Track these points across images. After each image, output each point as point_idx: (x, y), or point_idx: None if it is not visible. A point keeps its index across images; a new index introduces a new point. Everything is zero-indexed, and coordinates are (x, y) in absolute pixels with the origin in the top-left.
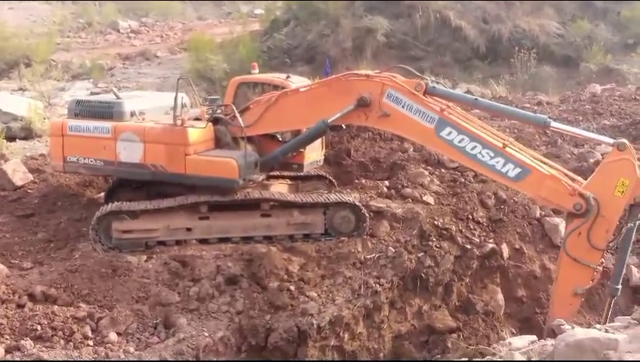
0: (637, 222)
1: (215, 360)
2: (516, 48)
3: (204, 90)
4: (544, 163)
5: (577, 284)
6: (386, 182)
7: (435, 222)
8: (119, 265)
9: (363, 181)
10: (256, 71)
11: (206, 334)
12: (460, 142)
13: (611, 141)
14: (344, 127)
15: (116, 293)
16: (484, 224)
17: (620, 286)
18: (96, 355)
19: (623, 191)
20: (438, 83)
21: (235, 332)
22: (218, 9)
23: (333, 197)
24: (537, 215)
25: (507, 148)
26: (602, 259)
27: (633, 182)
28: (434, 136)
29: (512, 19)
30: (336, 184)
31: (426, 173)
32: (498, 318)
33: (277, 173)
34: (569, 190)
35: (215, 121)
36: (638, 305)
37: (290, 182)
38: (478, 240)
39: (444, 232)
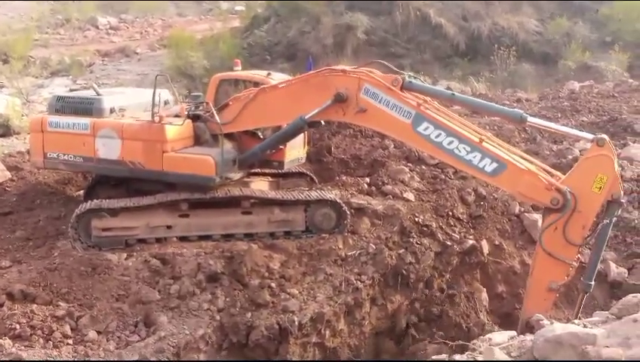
0: (613, 219)
1: (196, 360)
2: (496, 46)
3: (184, 87)
4: (522, 158)
5: (552, 279)
6: (367, 179)
7: (416, 219)
8: (99, 263)
9: (344, 178)
10: (239, 68)
11: (187, 332)
12: (436, 137)
13: (591, 137)
14: (323, 123)
15: (96, 292)
16: (464, 220)
17: (593, 283)
18: (75, 354)
19: (600, 187)
20: (415, 78)
21: (216, 330)
22: (198, 6)
23: (314, 194)
24: (516, 211)
25: (484, 143)
26: (579, 255)
27: (611, 179)
28: (411, 131)
29: (492, 17)
30: (317, 181)
31: (407, 169)
32: (481, 303)
33: (258, 170)
34: (546, 185)
35: (195, 118)
36: (616, 300)
37: (271, 180)
38: (458, 236)
39: (425, 229)
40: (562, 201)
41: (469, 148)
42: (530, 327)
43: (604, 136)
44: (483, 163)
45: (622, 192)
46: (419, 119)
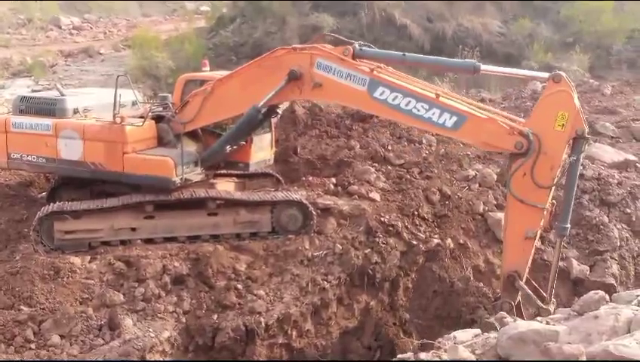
0: (581, 156)
1: (161, 360)
2: (460, 46)
3: (149, 88)
4: (482, 108)
5: (528, 227)
6: (333, 180)
7: (382, 219)
8: (62, 267)
9: (310, 178)
10: (208, 68)
11: (152, 335)
12: (393, 100)
13: (546, 75)
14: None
15: (59, 295)
16: (430, 220)
17: (568, 226)
18: (38, 359)
19: (563, 125)
20: (365, 45)
21: (181, 333)
22: (163, 6)
23: (280, 195)
24: (481, 210)
25: (441, 98)
26: (554, 201)
27: (573, 114)
28: (368, 98)
29: (456, 18)
30: (283, 182)
31: (372, 169)
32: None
33: (224, 171)
34: (508, 130)
35: (158, 118)
36: (578, 297)
37: (237, 181)
38: (423, 235)
39: (391, 228)
40: (526, 144)
41: (427, 106)
42: (511, 281)
43: (561, 72)
44: (443, 118)
45: (586, 127)
46: (374, 84)
